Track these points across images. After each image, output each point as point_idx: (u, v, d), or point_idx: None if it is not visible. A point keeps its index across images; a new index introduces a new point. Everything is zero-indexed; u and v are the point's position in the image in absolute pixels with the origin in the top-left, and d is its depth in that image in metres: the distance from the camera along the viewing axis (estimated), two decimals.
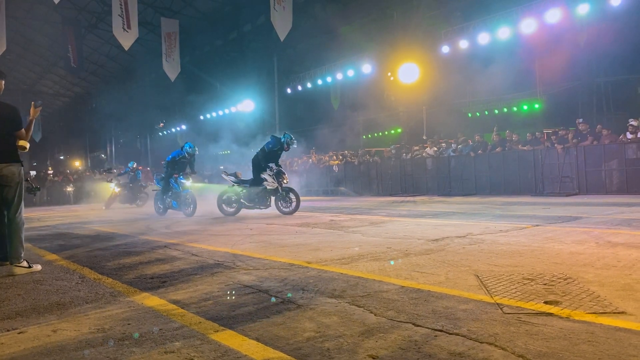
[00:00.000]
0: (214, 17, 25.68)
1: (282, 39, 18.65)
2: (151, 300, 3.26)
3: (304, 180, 19.23)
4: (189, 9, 24.69)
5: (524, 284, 3.21)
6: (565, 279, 3.29)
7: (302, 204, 10.38)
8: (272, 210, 10.40)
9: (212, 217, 9.99)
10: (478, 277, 3.47)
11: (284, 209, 10.05)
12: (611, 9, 13.07)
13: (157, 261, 4.84)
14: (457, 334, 2.32)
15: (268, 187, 10.08)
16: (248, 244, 5.73)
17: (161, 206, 11.29)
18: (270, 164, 10.17)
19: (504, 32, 15.18)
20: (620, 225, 6.09)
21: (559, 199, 11.37)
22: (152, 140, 37.38)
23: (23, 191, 4.56)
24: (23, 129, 4.52)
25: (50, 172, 31.99)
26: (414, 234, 5.99)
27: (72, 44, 24.41)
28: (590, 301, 2.76)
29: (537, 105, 18.15)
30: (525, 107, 18.51)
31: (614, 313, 2.54)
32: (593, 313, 2.55)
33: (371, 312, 2.73)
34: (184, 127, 32.19)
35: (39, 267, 4.59)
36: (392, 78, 18.90)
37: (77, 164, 44.01)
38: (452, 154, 15.81)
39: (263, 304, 3.02)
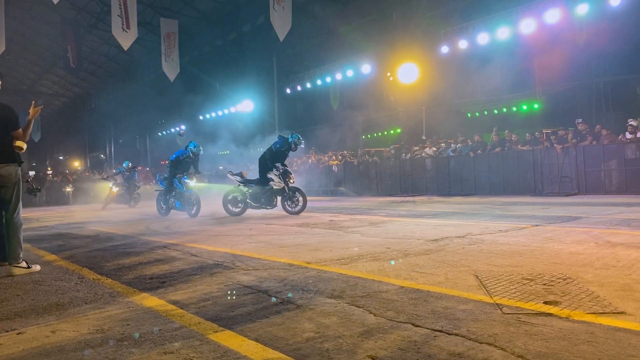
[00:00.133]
0: (213, 17, 25.65)
1: (281, 39, 18.64)
2: (150, 300, 3.26)
3: (303, 181, 19.17)
4: (189, 9, 24.66)
5: (524, 284, 3.21)
6: (564, 279, 3.29)
7: None
8: (273, 210, 10.39)
9: (212, 218, 9.96)
10: (477, 277, 3.47)
11: (290, 209, 10.05)
12: (610, 9, 13.07)
13: (156, 261, 4.83)
14: (456, 334, 2.32)
15: (274, 187, 10.05)
16: (247, 244, 5.72)
17: (164, 206, 11.08)
18: (277, 164, 10.16)
19: (503, 32, 15.17)
20: (620, 225, 6.08)
21: (559, 199, 11.37)
22: (152, 141, 37.36)
23: (21, 191, 4.52)
24: (20, 129, 4.45)
25: (49, 172, 31.98)
26: (413, 234, 5.98)
27: (72, 44, 24.42)
28: (589, 301, 2.76)
29: (536, 106, 18.15)
30: (524, 107, 18.51)
31: (614, 313, 2.54)
32: (592, 313, 2.55)
33: (370, 313, 2.73)
34: (183, 127, 32.18)
35: (38, 267, 4.58)
36: (391, 78, 18.87)
37: (77, 164, 43.93)
38: (451, 154, 15.80)
39: (262, 305, 3.01)
